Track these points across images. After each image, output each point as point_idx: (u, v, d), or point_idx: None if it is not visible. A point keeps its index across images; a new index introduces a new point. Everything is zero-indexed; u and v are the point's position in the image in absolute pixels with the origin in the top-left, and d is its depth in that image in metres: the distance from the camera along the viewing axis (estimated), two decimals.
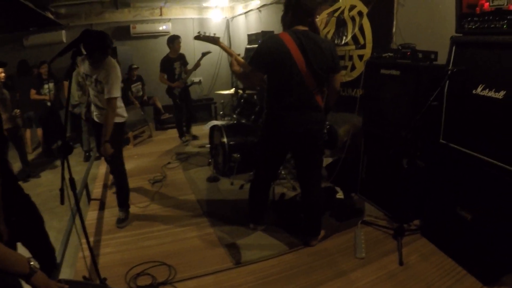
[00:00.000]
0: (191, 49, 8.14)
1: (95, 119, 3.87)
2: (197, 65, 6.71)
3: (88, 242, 2.51)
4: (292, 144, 3.10)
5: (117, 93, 3.48)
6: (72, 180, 2.28)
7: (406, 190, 3.31)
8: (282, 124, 2.97)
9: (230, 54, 3.35)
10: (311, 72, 2.83)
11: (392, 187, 3.57)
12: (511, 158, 2.48)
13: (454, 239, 2.98)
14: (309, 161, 3.12)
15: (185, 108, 7.07)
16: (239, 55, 3.33)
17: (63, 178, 2.24)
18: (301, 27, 2.87)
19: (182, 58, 6.87)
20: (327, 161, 4.80)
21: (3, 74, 5.22)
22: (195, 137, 7.31)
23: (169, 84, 6.77)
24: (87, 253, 2.60)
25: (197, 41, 3.55)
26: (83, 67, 3.61)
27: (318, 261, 3.05)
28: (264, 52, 2.87)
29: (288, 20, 2.93)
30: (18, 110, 5.48)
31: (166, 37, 8.65)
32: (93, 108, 3.86)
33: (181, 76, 6.84)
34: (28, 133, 6.87)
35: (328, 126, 3.11)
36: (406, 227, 3.37)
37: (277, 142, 3.13)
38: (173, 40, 6.74)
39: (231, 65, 3.20)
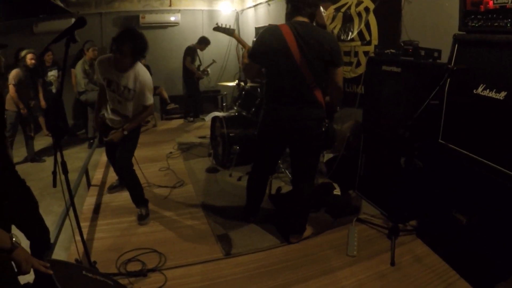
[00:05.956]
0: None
1: (109, 123, 3.67)
2: (206, 69, 8.24)
3: (79, 227, 2.52)
4: (287, 140, 3.03)
5: (152, 98, 3.55)
6: (63, 164, 2.27)
7: (403, 189, 3.25)
8: (277, 118, 2.92)
9: (243, 46, 3.33)
10: (307, 64, 2.74)
11: (389, 186, 3.53)
12: (510, 161, 2.41)
13: (449, 242, 2.93)
14: (303, 160, 3.06)
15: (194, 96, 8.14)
16: None
17: (55, 161, 2.23)
18: (300, 18, 2.80)
19: (197, 54, 7.98)
20: (327, 156, 4.77)
21: (33, 61, 5.41)
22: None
23: (194, 71, 7.74)
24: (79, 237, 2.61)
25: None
26: (104, 71, 3.37)
27: (308, 257, 3.03)
28: (260, 44, 2.83)
29: (288, 12, 2.88)
30: (33, 101, 5.79)
31: (175, 28, 8.76)
32: (109, 112, 3.62)
33: (198, 68, 7.96)
34: (42, 118, 6.93)
35: (326, 125, 2.97)
36: (401, 227, 3.32)
37: (272, 137, 3.07)
38: (206, 43, 7.91)
39: (242, 57, 3.16)
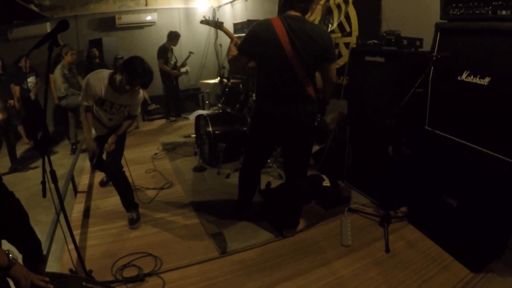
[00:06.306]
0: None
1: (98, 133, 3.82)
2: (184, 64, 8.06)
3: (72, 235, 2.47)
4: (280, 136, 2.99)
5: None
6: (53, 173, 2.21)
7: (392, 177, 3.31)
8: (270, 115, 2.88)
9: (231, 38, 3.27)
10: (298, 59, 2.67)
11: (378, 174, 3.58)
12: (496, 144, 2.48)
13: (441, 226, 2.99)
14: (297, 156, 3.04)
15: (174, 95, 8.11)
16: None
17: (44, 171, 2.19)
18: (292, 12, 2.72)
19: (172, 51, 7.87)
20: (314, 148, 4.78)
21: None
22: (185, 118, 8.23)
23: (169, 72, 7.69)
24: (72, 246, 2.56)
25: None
26: (100, 93, 3.32)
27: (303, 250, 3.05)
28: (251, 37, 2.76)
29: (280, 6, 2.81)
30: (13, 101, 5.55)
31: (152, 28, 8.67)
32: (97, 126, 3.73)
33: (175, 66, 7.89)
34: (21, 126, 6.76)
35: (318, 119, 2.95)
36: (392, 214, 3.38)
37: (264, 132, 3.04)
38: (176, 37, 7.66)
39: (228, 49, 3.10)
